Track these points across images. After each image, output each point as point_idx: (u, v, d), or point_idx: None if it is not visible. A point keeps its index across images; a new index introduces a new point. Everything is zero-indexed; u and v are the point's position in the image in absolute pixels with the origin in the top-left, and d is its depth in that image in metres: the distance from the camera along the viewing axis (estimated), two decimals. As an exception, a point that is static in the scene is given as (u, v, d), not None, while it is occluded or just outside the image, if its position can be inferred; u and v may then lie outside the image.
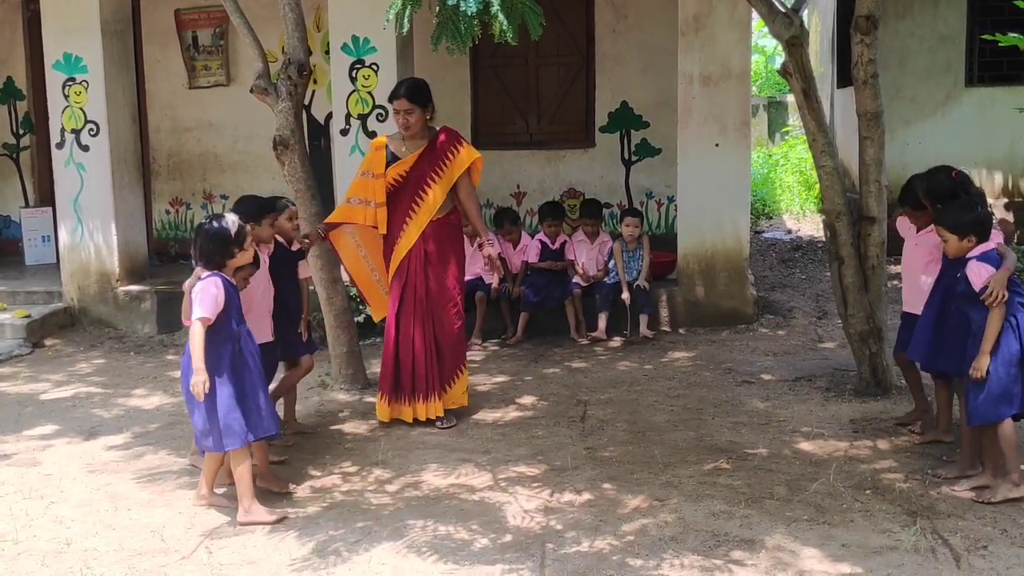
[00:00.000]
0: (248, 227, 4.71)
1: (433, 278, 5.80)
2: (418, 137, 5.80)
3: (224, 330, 4.51)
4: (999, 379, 4.44)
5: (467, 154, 5.84)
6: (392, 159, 5.80)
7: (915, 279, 5.41)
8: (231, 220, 4.63)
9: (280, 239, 5.56)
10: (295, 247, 5.68)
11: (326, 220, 5.98)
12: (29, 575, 4.05)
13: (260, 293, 5.20)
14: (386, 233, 5.83)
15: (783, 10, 5.91)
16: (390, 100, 5.82)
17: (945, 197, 4.89)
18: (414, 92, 5.78)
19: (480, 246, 6.03)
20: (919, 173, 5.23)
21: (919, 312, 5.27)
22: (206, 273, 4.55)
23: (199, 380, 4.38)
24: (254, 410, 4.55)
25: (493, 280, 8.03)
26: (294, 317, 5.62)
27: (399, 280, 5.80)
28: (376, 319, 6.31)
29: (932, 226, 5.22)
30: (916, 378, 5.47)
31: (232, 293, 4.59)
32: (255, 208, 5.30)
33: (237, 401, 4.48)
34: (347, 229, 5.95)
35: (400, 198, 5.79)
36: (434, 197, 5.75)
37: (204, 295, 4.46)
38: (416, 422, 5.80)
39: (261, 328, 5.16)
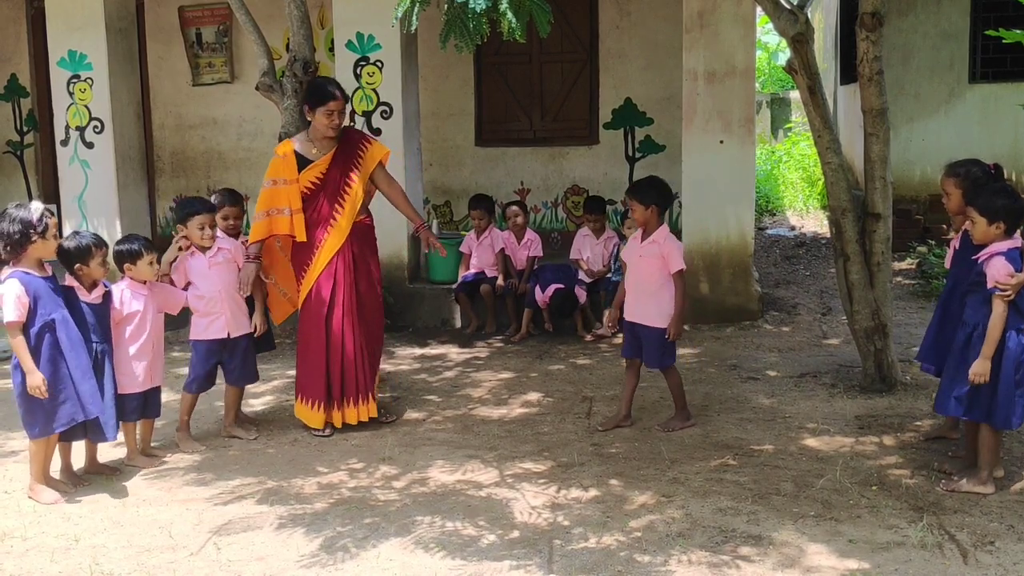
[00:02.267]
0: (53, 219, 4.74)
1: (361, 279, 5.71)
2: (327, 138, 5.64)
3: (34, 323, 4.64)
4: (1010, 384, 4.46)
5: (378, 148, 5.77)
6: (303, 163, 5.61)
7: (644, 289, 5.53)
8: (36, 207, 4.69)
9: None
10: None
11: (250, 241, 5.69)
12: (38, 571, 4.06)
13: (220, 290, 5.53)
14: (304, 239, 5.62)
15: (788, 7, 5.91)
16: (323, 101, 5.52)
17: (981, 187, 4.87)
18: (345, 92, 5.68)
19: (418, 229, 5.87)
20: (954, 161, 5.16)
21: (643, 322, 5.48)
22: (5, 273, 4.65)
23: (36, 383, 4.59)
24: (70, 398, 4.71)
25: (499, 278, 8.07)
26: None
27: (326, 284, 5.61)
28: (277, 323, 6.11)
29: (653, 236, 5.49)
30: (630, 384, 5.69)
31: (38, 284, 4.66)
32: (195, 208, 5.55)
33: (52, 390, 4.65)
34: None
35: (319, 201, 5.62)
36: (356, 196, 5.65)
37: (6, 300, 4.59)
38: (346, 427, 5.69)
39: (240, 321, 5.62)
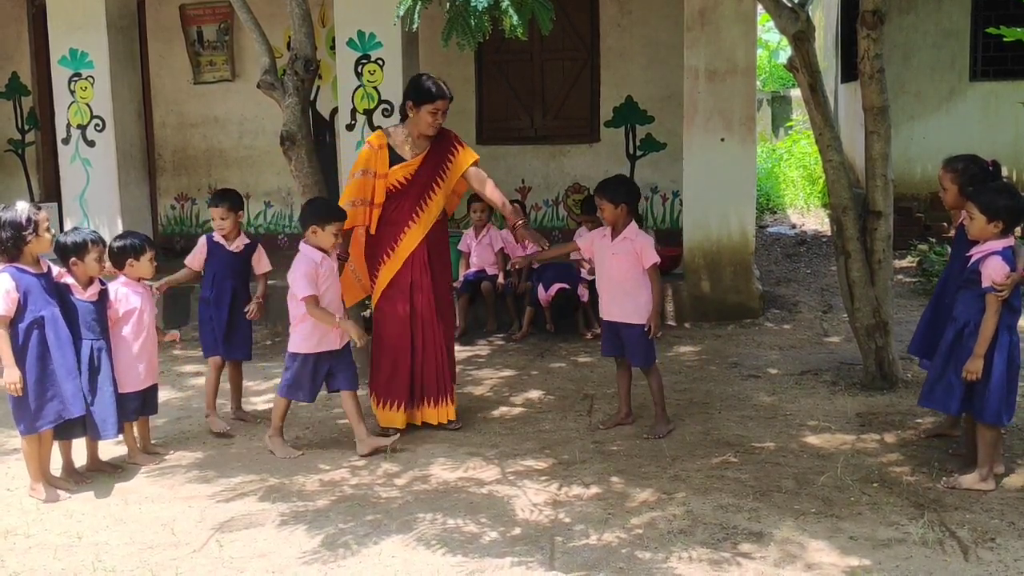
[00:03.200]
0: (41, 214, 4.74)
1: (437, 279, 5.65)
2: (423, 137, 5.58)
3: (23, 318, 4.65)
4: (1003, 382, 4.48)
5: (465, 156, 5.67)
6: (394, 159, 5.54)
7: (620, 287, 5.45)
8: (22, 207, 4.69)
9: (218, 240, 5.79)
10: (235, 247, 5.75)
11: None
12: (41, 568, 4.07)
13: (336, 297, 5.36)
14: (382, 235, 5.55)
15: (789, 5, 5.92)
16: (431, 99, 5.45)
17: (979, 183, 4.88)
18: (451, 90, 5.62)
19: (514, 226, 5.63)
20: (951, 156, 5.18)
21: (623, 320, 5.41)
22: None
23: (12, 379, 4.59)
24: (57, 395, 4.71)
25: (499, 276, 8.08)
26: (223, 319, 5.78)
27: (402, 283, 5.54)
28: (348, 305, 5.74)
29: (624, 233, 5.42)
30: (623, 382, 5.67)
31: (30, 281, 4.67)
32: (323, 212, 5.31)
33: (39, 387, 4.67)
34: None
35: (402, 200, 5.54)
36: (438, 202, 5.61)
37: None
38: (425, 426, 5.65)
39: (331, 336, 5.30)
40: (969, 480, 4.51)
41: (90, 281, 4.95)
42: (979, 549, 3.92)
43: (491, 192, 5.71)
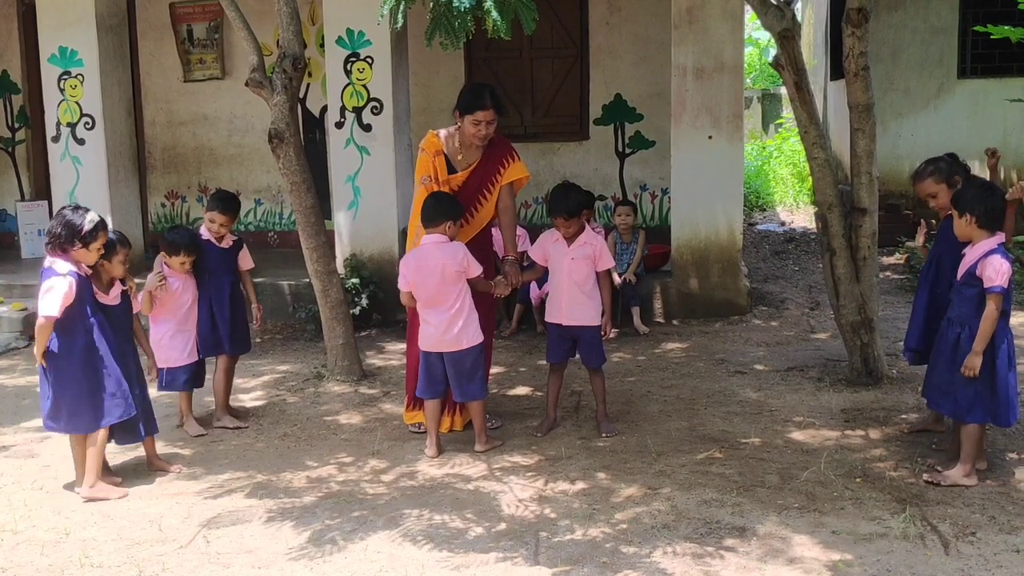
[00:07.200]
0: (102, 234, 4.73)
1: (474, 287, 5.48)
2: (475, 147, 5.47)
3: (76, 322, 4.68)
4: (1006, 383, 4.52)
5: (515, 170, 5.56)
6: (449, 167, 5.43)
7: (580, 291, 5.36)
8: (91, 217, 4.70)
9: (208, 238, 5.80)
10: (225, 244, 5.83)
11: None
12: (28, 564, 4.09)
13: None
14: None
15: (775, 3, 5.95)
16: (470, 110, 5.29)
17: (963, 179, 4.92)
18: (501, 102, 5.39)
19: (504, 258, 5.57)
20: (919, 169, 5.22)
21: (583, 324, 5.39)
22: (63, 266, 4.64)
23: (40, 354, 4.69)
24: (107, 397, 4.75)
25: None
26: (225, 315, 5.80)
27: None
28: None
29: (582, 238, 5.38)
30: (556, 388, 5.59)
31: (85, 284, 4.71)
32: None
33: (89, 390, 4.70)
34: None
35: None
36: (484, 216, 5.53)
37: (55, 293, 4.59)
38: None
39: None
40: (952, 475, 4.55)
41: (111, 283, 4.95)
42: (960, 543, 3.96)
43: (507, 221, 5.58)
